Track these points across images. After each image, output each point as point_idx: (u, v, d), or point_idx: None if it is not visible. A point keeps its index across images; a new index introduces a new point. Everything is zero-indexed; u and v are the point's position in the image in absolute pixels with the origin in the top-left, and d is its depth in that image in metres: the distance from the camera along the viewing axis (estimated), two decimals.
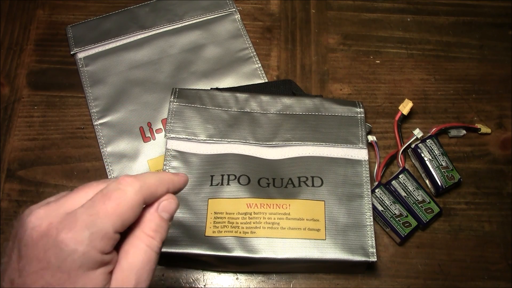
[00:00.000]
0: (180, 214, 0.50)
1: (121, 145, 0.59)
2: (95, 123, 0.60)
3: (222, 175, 0.52)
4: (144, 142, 0.59)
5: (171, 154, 0.53)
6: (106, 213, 0.29)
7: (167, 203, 0.33)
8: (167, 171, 0.52)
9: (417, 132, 0.57)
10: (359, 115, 0.56)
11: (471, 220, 0.57)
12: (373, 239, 0.49)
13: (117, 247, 0.31)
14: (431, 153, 0.56)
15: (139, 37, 0.65)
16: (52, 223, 0.29)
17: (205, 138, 0.54)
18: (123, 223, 0.30)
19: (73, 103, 0.62)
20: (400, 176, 0.55)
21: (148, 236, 0.31)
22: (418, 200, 0.54)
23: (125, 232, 0.31)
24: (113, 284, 0.30)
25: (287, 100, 0.57)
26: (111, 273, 0.30)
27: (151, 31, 0.65)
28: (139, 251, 0.31)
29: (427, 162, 0.56)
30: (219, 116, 0.55)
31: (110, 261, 0.30)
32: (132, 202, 0.30)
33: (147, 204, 0.32)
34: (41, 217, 0.29)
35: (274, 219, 0.50)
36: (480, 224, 0.57)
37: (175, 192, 0.34)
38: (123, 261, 0.30)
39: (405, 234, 0.53)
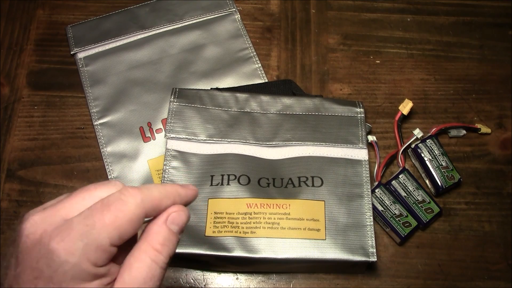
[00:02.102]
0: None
1: (121, 145, 0.59)
2: (95, 123, 0.60)
3: (222, 175, 0.52)
4: (144, 142, 0.59)
5: (171, 154, 0.53)
6: (103, 224, 0.27)
7: (176, 214, 0.31)
8: (167, 171, 0.52)
9: (417, 132, 0.57)
10: (359, 115, 0.56)
11: (471, 220, 0.57)
12: (373, 239, 0.49)
13: (119, 259, 0.30)
14: (431, 153, 0.56)
15: (139, 37, 0.65)
16: (46, 230, 0.28)
17: (205, 138, 0.54)
18: (120, 237, 0.28)
19: (73, 103, 0.62)
20: (400, 176, 0.55)
21: (154, 249, 0.29)
22: (418, 200, 0.54)
23: (130, 245, 0.30)
24: None
25: (287, 100, 0.57)
26: (110, 284, 0.29)
27: (151, 31, 0.65)
28: (143, 266, 0.29)
29: (427, 162, 0.56)
30: (219, 116, 0.55)
31: (106, 274, 0.28)
32: (132, 215, 0.28)
33: (149, 217, 0.30)
34: (36, 223, 0.28)
35: (274, 219, 0.50)
36: (480, 224, 0.57)
37: (182, 203, 0.32)
38: (126, 274, 0.29)
39: (405, 234, 0.53)
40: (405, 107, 0.58)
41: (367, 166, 0.53)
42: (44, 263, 0.27)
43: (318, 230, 0.49)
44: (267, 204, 0.50)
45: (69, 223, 0.28)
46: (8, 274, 0.29)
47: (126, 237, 0.28)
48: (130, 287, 0.28)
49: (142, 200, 0.29)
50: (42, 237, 0.28)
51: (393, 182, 0.55)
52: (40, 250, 0.27)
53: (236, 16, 0.66)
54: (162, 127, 0.59)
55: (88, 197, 0.30)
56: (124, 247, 0.29)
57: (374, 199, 0.54)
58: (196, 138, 0.54)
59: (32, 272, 0.27)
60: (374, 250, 0.49)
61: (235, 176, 0.52)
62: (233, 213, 0.50)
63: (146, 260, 0.29)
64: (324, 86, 0.63)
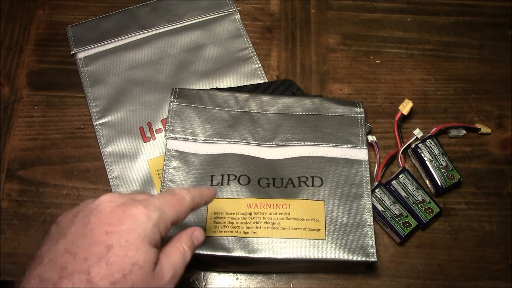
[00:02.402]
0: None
1: (121, 145, 0.59)
2: (95, 123, 0.60)
3: (222, 175, 0.52)
4: (144, 142, 0.59)
5: (171, 154, 0.53)
6: (172, 205, 0.36)
7: (199, 233, 0.40)
8: (167, 171, 0.52)
9: (417, 132, 0.57)
10: (359, 115, 0.56)
11: (471, 220, 0.57)
12: (373, 239, 0.49)
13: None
14: (431, 153, 0.56)
15: (139, 37, 0.65)
16: (125, 202, 0.35)
17: (205, 138, 0.54)
18: (178, 219, 0.37)
19: (73, 103, 0.62)
20: (400, 176, 0.55)
21: (184, 248, 0.38)
22: (418, 200, 0.54)
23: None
24: (158, 269, 0.34)
25: (287, 100, 0.57)
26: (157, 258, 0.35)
27: (151, 31, 0.65)
28: (179, 254, 0.37)
29: (427, 162, 0.56)
30: (219, 116, 0.55)
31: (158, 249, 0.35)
32: (187, 206, 0.38)
33: (194, 210, 0.39)
34: (115, 197, 0.36)
35: (274, 219, 0.50)
36: (480, 224, 0.57)
37: (207, 203, 0.42)
38: (164, 258, 0.36)
39: (405, 234, 0.53)
40: (405, 107, 0.58)
41: (367, 166, 0.53)
42: (126, 222, 0.33)
43: (318, 230, 0.49)
44: (267, 204, 0.50)
45: (147, 199, 0.36)
46: (67, 233, 0.34)
47: (180, 220, 0.37)
48: (170, 266, 0.35)
49: (192, 198, 0.39)
50: (124, 203, 0.35)
51: (393, 182, 0.55)
52: (123, 212, 0.34)
53: (236, 16, 0.66)
54: (162, 127, 0.59)
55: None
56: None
57: (374, 199, 0.54)
58: (196, 138, 0.54)
59: (108, 227, 0.33)
60: (374, 250, 0.49)
61: (235, 176, 0.52)
62: (233, 213, 0.50)
63: (180, 252, 0.37)
64: (324, 86, 0.63)
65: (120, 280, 0.31)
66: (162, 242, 0.36)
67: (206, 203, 0.41)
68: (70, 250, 0.32)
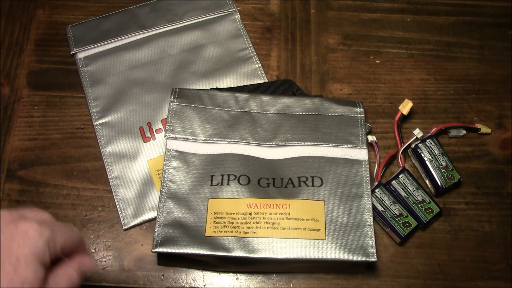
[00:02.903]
0: (180, 214, 0.50)
1: (121, 145, 0.59)
2: (95, 123, 0.60)
3: (222, 175, 0.52)
4: (144, 142, 0.59)
5: (171, 154, 0.53)
6: (61, 228, 0.36)
7: (87, 260, 0.39)
8: (167, 171, 0.52)
9: (417, 132, 0.57)
10: (359, 115, 0.56)
11: (471, 220, 0.57)
12: (373, 239, 0.49)
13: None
14: (431, 153, 0.56)
15: (139, 37, 0.65)
16: (16, 218, 0.34)
17: (205, 138, 0.54)
18: (65, 245, 0.36)
19: (73, 103, 0.62)
20: (400, 176, 0.55)
21: (72, 273, 0.36)
22: (418, 200, 0.54)
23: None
24: None
25: (287, 100, 0.57)
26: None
27: (151, 31, 0.65)
28: (66, 278, 0.36)
29: (427, 162, 0.56)
30: (219, 116, 0.55)
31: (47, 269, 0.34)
32: (76, 236, 0.38)
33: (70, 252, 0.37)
34: (5, 214, 0.34)
35: (274, 219, 0.50)
36: (480, 224, 0.57)
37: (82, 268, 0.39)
38: (52, 279, 0.35)
39: (405, 234, 0.53)
40: (405, 107, 0.58)
41: (367, 166, 0.53)
42: (15, 238, 0.32)
43: (318, 230, 0.49)
44: (267, 204, 0.50)
45: (38, 215, 0.36)
46: None
47: (67, 248, 0.36)
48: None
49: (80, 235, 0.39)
50: (14, 221, 0.33)
51: (393, 182, 0.55)
52: (14, 229, 0.33)
53: (236, 16, 0.66)
54: (162, 127, 0.59)
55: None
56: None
57: (374, 199, 0.54)
58: (196, 138, 0.54)
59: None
60: (374, 250, 0.49)
61: (235, 176, 0.52)
62: (233, 213, 0.50)
63: (68, 274, 0.36)
64: (324, 86, 0.63)
65: None
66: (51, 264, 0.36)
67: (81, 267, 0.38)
68: None
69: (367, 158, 0.54)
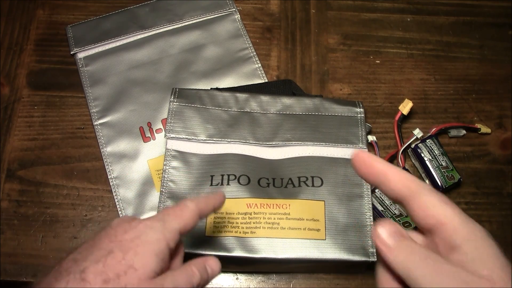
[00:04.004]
0: None
1: (121, 145, 0.59)
2: (95, 123, 0.60)
3: (222, 175, 0.52)
4: (144, 142, 0.59)
5: (171, 154, 0.53)
6: (175, 214, 0.37)
7: (213, 262, 0.39)
8: (167, 171, 0.52)
9: (417, 132, 0.57)
10: (359, 115, 0.56)
11: None
12: None
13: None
14: (431, 153, 0.56)
15: (139, 37, 0.65)
16: (133, 218, 0.37)
17: (205, 138, 0.54)
18: (185, 226, 0.37)
19: (73, 103, 0.62)
20: None
21: (193, 270, 0.37)
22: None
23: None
24: (158, 280, 0.34)
25: (287, 100, 0.57)
26: (162, 272, 0.35)
27: (151, 31, 0.65)
28: (185, 274, 0.36)
29: (427, 162, 0.56)
30: (219, 116, 0.55)
31: (167, 262, 0.35)
32: (191, 212, 0.38)
33: (202, 216, 0.39)
34: (126, 216, 0.39)
35: (274, 219, 0.50)
36: (480, 224, 0.56)
37: (215, 208, 0.41)
38: (170, 273, 0.35)
39: None
40: (405, 107, 0.58)
41: None
42: (129, 233, 0.34)
43: (318, 230, 0.49)
44: (267, 204, 0.50)
45: (150, 216, 0.37)
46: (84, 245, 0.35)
47: (188, 228, 0.37)
48: (172, 281, 0.35)
49: (196, 204, 0.39)
50: (131, 219, 0.36)
51: None
52: (129, 226, 0.35)
53: (236, 16, 0.66)
54: (162, 127, 0.59)
55: None
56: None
57: (374, 199, 0.54)
58: (196, 138, 0.54)
59: (109, 237, 0.34)
60: (374, 250, 0.49)
61: (235, 176, 0.52)
62: (233, 213, 0.50)
63: (188, 272, 0.37)
64: (324, 86, 0.63)
65: (113, 279, 0.32)
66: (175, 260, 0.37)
67: (215, 208, 0.41)
68: (74, 258, 0.33)
69: None
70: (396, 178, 0.28)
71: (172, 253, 0.36)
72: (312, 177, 0.52)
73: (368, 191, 0.52)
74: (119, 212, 0.56)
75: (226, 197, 0.50)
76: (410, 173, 0.56)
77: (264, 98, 0.57)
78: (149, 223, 0.35)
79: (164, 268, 0.35)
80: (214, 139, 0.54)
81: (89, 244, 0.35)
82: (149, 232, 0.35)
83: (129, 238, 0.34)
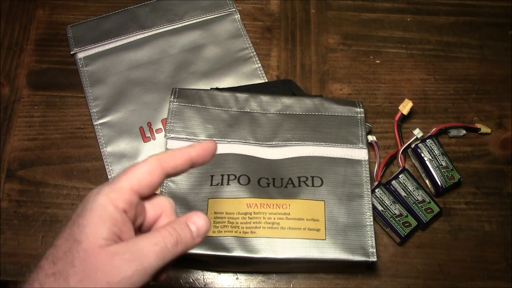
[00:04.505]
0: (180, 214, 0.50)
1: (121, 145, 0.59)
2: (95, 123, 0.60)
3: (222, 175, 0.52)
4: (144, 142, 0.59)
5: None
6: (125, 173, 0.33)
7: (197, 217, 0.34)
8: None
9: (417, 132, 0.57)
10: (359, 115, 0.56)
11: (471, 220, 0.57)
12: (373, 239, 0.49)
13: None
14: (431, 153, 0.56)
15: (139, 37, 0.65)
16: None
17: (205, 138, 0.54)
18: (139, 182, 0.33)
19: (73, 103, 0.62)
20: (400, 176, 0.55)
21: (167, 231, 0.33)
22: (418, 200, 0.54)
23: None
24: (112, 248, 0.30)
25: (287, 100, 0.57)
26: (119, 239, 0.31)
27: (151, 31, 0.65)
28: (153, 236, 0.32)
29: (427, 162, 0.56)
30: (219, 116, 0.55)
31: (125, 226, 0.32)
32: (149, 166, 0.33)
33: (169, 175, 0.34)
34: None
35: (274, 219, 0.50)
36: (480, 224, 0.57)
37: (204, 161, 0.36)
38: (132, 241, 0.31)
39: (405, 234, 0.53)
40: (405, 107, 0.58)
41: (367, 166, 0.53)
42: (77, 208, 0.32)
43: (318, 230, 0.49)
44: (267, 204, 0.50)
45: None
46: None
47: (145, 184, 0.33)
48: (133, 254, 0.31)
49: (157, 159, 0.34)
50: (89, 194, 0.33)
51: (393, 182, 0.55)
52: (86, 199, 0.33)
53: (236, 16, 0.66)
54: (162, 127, 0.59)
55: None
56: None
57: (374, 199, 0.54)
58: (196, 138, 0.54)
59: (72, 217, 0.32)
60: (374, 250, 0.49)
61: (235, 176, 0.52)
62: (233, 213, 0.50)
63: (158, 234, 0.32)
64: (324, 86, 0.63)
65: (60, 258, 0.30)
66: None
67: (195, 160, 0.36)
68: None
69: (367, 158, 0.54)
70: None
71: (138, 213, 0.33)
72: (312, 177, 0.52)
73: (368, 191, 0.52)
74: None
75: (226, 197, 0.51)
76: (410, 173, 0.56)
77: (264, 98, 0.57)
78: (95, 190, 0.32)
79: (125, 232, 0.32)
80: (214, 139, 0.54)
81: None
82: (93, 199, 0.32)
83: (76, 212, 0.32)
